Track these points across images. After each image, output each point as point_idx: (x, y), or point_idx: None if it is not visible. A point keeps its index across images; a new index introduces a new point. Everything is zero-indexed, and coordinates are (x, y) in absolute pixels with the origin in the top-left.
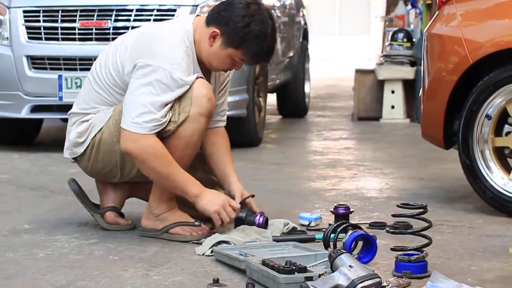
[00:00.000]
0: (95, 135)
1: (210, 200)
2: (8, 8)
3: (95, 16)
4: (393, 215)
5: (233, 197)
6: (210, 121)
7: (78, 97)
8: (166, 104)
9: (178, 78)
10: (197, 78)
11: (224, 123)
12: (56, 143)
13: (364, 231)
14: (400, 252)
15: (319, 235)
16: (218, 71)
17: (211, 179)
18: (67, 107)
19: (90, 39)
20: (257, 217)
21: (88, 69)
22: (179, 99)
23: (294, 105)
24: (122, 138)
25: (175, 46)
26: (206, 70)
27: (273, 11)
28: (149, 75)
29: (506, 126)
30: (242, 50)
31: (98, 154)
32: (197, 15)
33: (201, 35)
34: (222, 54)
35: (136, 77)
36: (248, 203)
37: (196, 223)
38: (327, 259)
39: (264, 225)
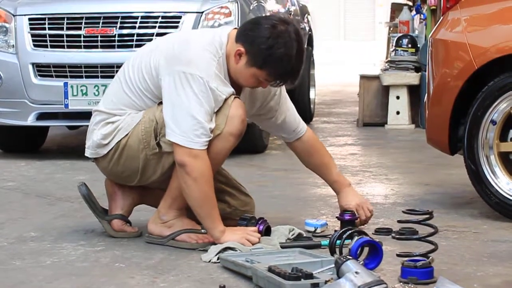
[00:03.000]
0: (120, 140)
1: (233, 233)
2: (14, 16)
3: (101, 24)
4: (399, 221)
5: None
6: (238, 141)
7: (105, 96)
8: (210, 114)
9: (215, 87)
10: (235, 97)
11: (304, 129)
12: (62, 151)
13: (370, 237)
14: (406, 258)
15: (325, 242)
16: (246, 87)
17: (221, 187)
18: (73, 115)
19: (96, 47)
20: (257, 225)
21: (94, 77)
22: (215, 115)
23: (299, 111)
24: (177, 151)
25: (208, 55)
26: (236, 83)
27: None
28: (188, 85)
29: (511, 131)
30: (265, 71)
31: (120, 158)
32: (235, 28)
33: (230, 50)
34: (247, 72)
35: (175, 87)
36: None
37: (202, 230)
38: (333, 265)
39: (264, 232)
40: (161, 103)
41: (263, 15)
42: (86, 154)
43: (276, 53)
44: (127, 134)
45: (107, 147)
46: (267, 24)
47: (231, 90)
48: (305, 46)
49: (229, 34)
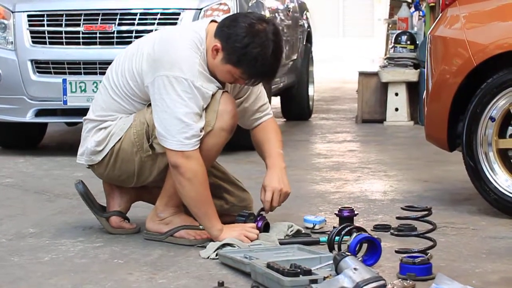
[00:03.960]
0: (114, 145)
1: (231, 231)
2: (13, 12)
3: (99, 20)
4: (398, 218)
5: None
6: (231, 136)
7: (94, 103)
8: (199, 114)
9: (200, 85)
10: (223, 92)
11: (268, 117)
12: (60, 147)
13: (369, 234)
14: (404, 255)
15: (324, 238)
16: (223, 81)
17: (218, 184)
18: (71, 111)
19: (94, 43)
20: (256, 221)
21: (92, 73)
22: (205, 111)
23: (298, 108)
24: (170, 154)
25: (190, 53)
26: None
27: (276, 14)
28: (173, 88)
29: (510, 128)
30: (240, 69)
31: (116, 162)
32: (212, 21)
33: (209, 44)
34: (223, 68)
35: (160, 92)
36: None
37: (200, 226)
38: (332, 261)
39: (263, 229)
40: (150, 104)
41: (261, 12)
42: (80, 162)
43: (252, 53)
44: (120, 139)
45: (102, 153)
46: (245, 22)
47: (217, 85)
48: (304, 43)
49: (207, 29)
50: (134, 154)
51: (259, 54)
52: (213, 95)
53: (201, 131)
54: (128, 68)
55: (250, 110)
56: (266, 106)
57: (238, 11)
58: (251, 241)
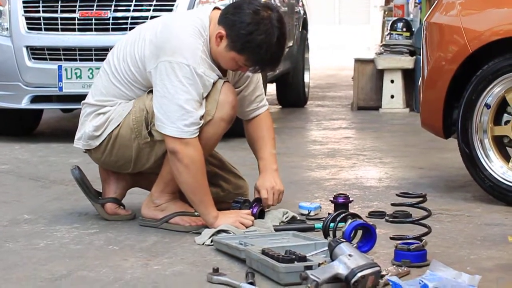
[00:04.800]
0: (112, 130)
1: (226, 218)
2: None
3: (95, 6)
4: (393, 204)
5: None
6: (230, 126)
7: (93, 88)
8: (200, 101)
9: (202, 73)
10: (224, 82)
11: (262, 110)
12: (56, 134)
13: (364, 220)
14: (399, 241)
15: (319, 224)
16: (226, 69)
17: (215, 171)
18: (67, 97)
19: (90, 30)
20: (251, 208)
21: (88, 59)
22: (205, 100)
23: (293, 95)
24: (168, 140)
25: (193, 40)
26: (219, 66)
27: (272, 0)
28: (175, 74)
29: (505, 115)
30: (244, 56)
31: (113, 148)
32: (215, 8)
33: (212, 31)
34: (227, 56)
35: (162, 78)
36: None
37: (196, 213)
38: (327, 248)
39: (258, 215)
40: (151, 91)
41: None
42: (77, 146)
43: (256, 40)
44: (118, 125)
45: (100, 138)
46: (249, 9)
47: (217, 73)
48: (300, 30)
49: (210, 16)
50: (132, 140)
51: (264, 41)
52: (214, 83)
53: (200, 119)
54: (130, 54)
55: (249, 99)
56: (263, 96)
57: None
58: (246, 227)
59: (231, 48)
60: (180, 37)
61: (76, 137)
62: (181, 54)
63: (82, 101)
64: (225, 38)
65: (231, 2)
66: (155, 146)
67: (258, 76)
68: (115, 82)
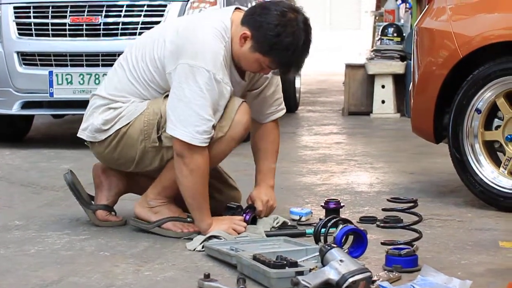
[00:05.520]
0: (120, 128)
1: (220, 224)
2: None
3: (86, 12)
4: (384, 209)
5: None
6: (238, 145)
7: (107, 81)
8: (214, 109)
9: (221, 79)
10: (242, 101)
11: (280, 114)
12: (47, 140)
13: (355, 226)
14: (390, 246)
15: (310, 230)
16: (246, 71)
17: (211, 182)
18: (58, 103)
19: (81, 35)
20: (244, 214)
21: (79, 65)
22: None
23: (284, 100)
24: (178, 142)
25: (215, 43)
26: (240, 68)
27: None
28: (194, 78)
29: (496, 120)
30: (269, 58)
31: (118, 146)
32: (237, 8)
33: (235, 32)
34: (251, 57)
35: (180, 80)
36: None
37: (188, 219)
38: (318, 253)
39: (251, 222)
40: (167, 96)
41: (249, 2)
42: (81, 136)
43: (283, 42)
44: (128, 123)
45: (106, 133)
46: (277, 10)
47: (236, 78)
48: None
49: (232, 17)
50: (139, 141)
51: (291, 43)
52: (231, 100)
53: (213, 128)
54: (149, 54)
55: (268, 101)
56: (281, 99)
57: (224, 3)
58: (238, 233)
59: (256, 50)
60: (202, 40)
61: (81, 127)
62: (203, 58)
63: (92, 92)
64: (250, 39)
65: (256, 4)
66: (161, 151)
67: (278, 79)
68: (132, 79)
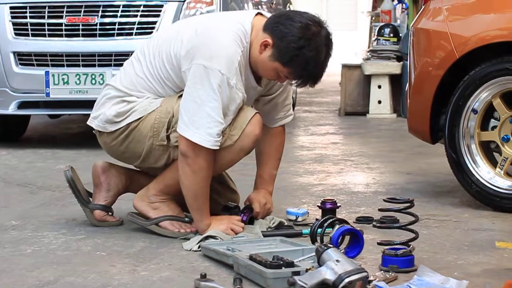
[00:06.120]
0: (132, 122)
1: (218, 224)
2: None
3: (82, 12)
4: (380, 210)
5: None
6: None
7: (123, 73)
8: (224, 113)
9: (234, 84)
10: (256, 113)
11: (288, 119)
12: (43, 140)
13: (351, 226)
14: (386, 247)
15: (306, 230)
16: (263, 77)
17: (212, 185)
18: (54, 103)
19: (77, 35)
20: (241, 215)
21: (75, 65)
22: (231, 124)
23: None
24: (185, 142)
25: (233, 47)
26: (257, 73)
27: (259, 6)
28: (208, 79)
29: (492, 120)
30: (288, 69)
31: (126, 139)
32: (258, 13)
33: (255, 38)
34: (269, 65)
35: (195, 81)
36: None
37: (186, 219)
38: (314, 253)
39: (248, 223)
40: (181, 95)
41: (246, 4)
42: (91, 124)
43: (305, 56)
44: (140, 118)
45: (117, 125)
46: (301, 23)
47: (253, 84)
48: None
49: (252, 22)
50: (147, 138)
51: (313, 58)
52: (243, 109)
53: (223, 132)
54: (166, 51)
55: (280, 107)
56: (291, 105)
57: (221, 4)
58: (236, 234)
59: (277, 59)
60: (220, 42)
61: (92, 115)
62: (218, 61)
63: (106, 82)
64: (271, 48)
65: (280, 12)
66: (168, 150)
67: (290, 86)
68: (148, 76)
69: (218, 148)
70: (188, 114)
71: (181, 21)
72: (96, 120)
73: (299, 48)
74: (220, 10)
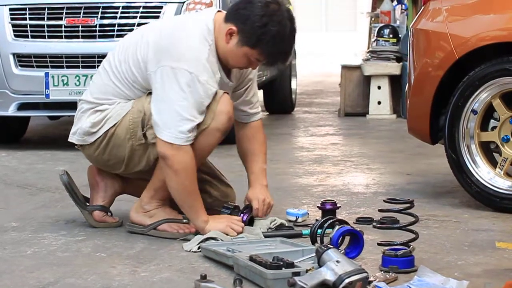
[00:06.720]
0: (108, 129)
1: (217, 222)
2: None
3: (81, 14)
4: (380, 210)
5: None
6: (224, 137)
7: (92, 85)
8: (199, 109)
9: (205, 81)
10: (224, 92)
11: (259, 116)
12: (43, 141)
13: (351, 226)
14: (387, 247)
15: (306, 231)
16: (234, 68)
17: (203, 178)
18: (54, 105)
19: (77, 37)
20: (241, 215)
21: (75, 67)
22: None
23: (281, 102)
24: (160, 144)
25: (199, 46)
26: (226, 67)
27: None
28: (176, 79)
29: (492, 120)
30: (257, 50)
31: (107, 146)
32: (218, 11)
33: (219, 31)
34: (238, 52)
35: (163, 82)
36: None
37: (184, 220)
38: (314, 254)
39: (248, 223)
40: (150, 93)
41: None
42: (71, 140)
43: (271, 31)
44: (115, 123)
45: (95, 135)
46: (260, 2)
47: (222, 78)
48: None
49: (214, 19)
50: (126, 140)
51: (278, 32)
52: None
53: (197, 127)
54: (132, 55)
55: (248, 103)
56: (258, 103)
57: (220, 5)
58: (237, 233)
59: (244, 43)
60: (185, 43)
61: (71, 131)
62: (185, 60)
63: (79, 98)
64: (237, 34)
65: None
66: (148, 148)
67: (255, 85)
68: (116, 81)
69: (191, 141)
70: (159, 116)
71: (145, 25)
72: (75, 135)
73: (263, 26)
74: None
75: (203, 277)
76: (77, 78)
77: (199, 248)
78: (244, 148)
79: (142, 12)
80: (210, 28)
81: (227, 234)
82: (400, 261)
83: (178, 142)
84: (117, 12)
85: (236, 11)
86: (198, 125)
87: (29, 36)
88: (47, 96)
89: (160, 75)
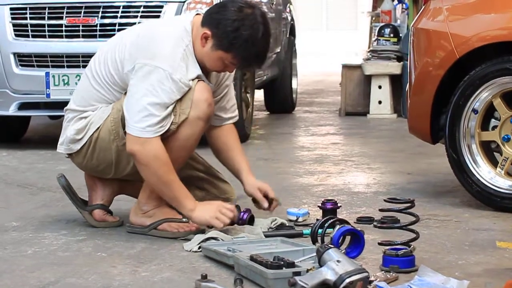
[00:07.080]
0: (92, 133)
1: (205, 210)
2: None
3: (82, 13)
4: (381, 210)
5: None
6: (208, 125)
7: (75, 94)
8: (168, 106)
9: (178, 79)
10: (198, 80)
11: (234, 119)
12: (43, 141)
13: (352, 226)
14: (387, 247)
15: (307, 230)
16: (212, 71)
17: (200, 176)
18: (54, 104)
19: (77, 36)
20: (241, 214)
21: (75, 66)
22: (180, 100)
23: (281, 101)
24: (128, 140)
25: (174, 46)
26: (205, 70)
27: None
28: (149, 77)
29: (493, 120)
30: (231, 54)
31: (94, 151)
32: (197, 14)
33: (196, 35)
34: (213, 56)
35: (136, 79)
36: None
37: (183, 219)
38: (315, 254)
39: (248, 222)
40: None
41: None
42: (59, 150)
43: (243, 35)
44: (98, 127)
45: (81, 142)
46: (234, 7)
47: (196, 76)
48: (288, 36)
49: (192, 21)
50: (111, 142)
51: (250, 35)
52: None
53: (164, 121)
54: (111, 58)
55: (223, 109)
56: (235, 106)
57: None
58: (224, 224)
59: (218, 47)
60: (161, 42)
61: (59, 142)
62: (159, 59)
63: (65, 108)
64: (211, 38)
65: (215, 4)
66: None
67: (232, 90)
68: (95, 85)
69: (162, 132)
70: (127, 110)
71: (126, 29)
72: (63, 145)
73: (235, 30)
74: None
75: (204, 277)
76: (78, 77)
77: (199, 248)
78: (219, 146)
79: (142, 12)
80: (188, 29)
81: (211, 227)
82: (400, 261)
83: (144, 135)
84: (117, 12)
85: (210, 15)
86: (178, 116)
87: (30, 36)
88: (48, 95)
89: (135, 72)
